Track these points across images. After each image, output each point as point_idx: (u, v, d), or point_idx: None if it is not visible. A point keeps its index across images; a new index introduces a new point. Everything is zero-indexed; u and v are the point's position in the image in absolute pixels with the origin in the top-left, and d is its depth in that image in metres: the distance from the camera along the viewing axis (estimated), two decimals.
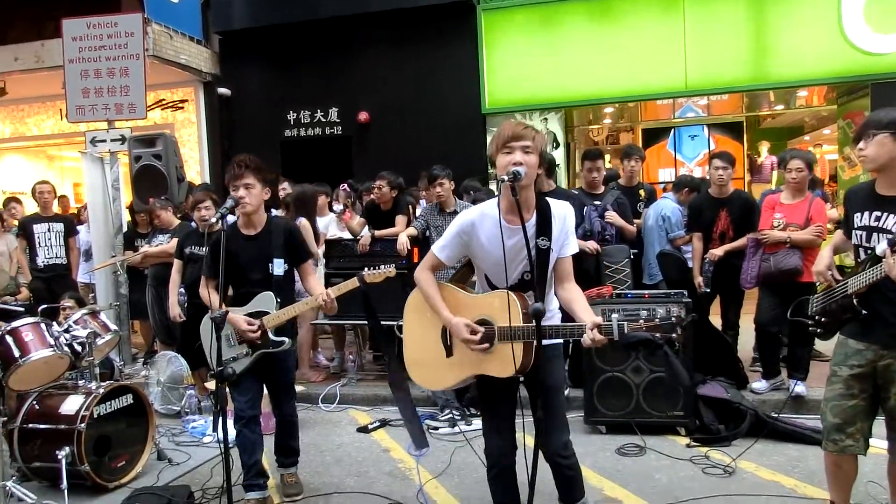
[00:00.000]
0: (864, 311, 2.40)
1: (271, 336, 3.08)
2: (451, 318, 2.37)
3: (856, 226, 2.49)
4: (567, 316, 2.41)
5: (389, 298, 4.86)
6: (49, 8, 7.91)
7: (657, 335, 2.12)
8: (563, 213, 2.39)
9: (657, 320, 2.12)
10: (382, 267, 3.14)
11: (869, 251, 2.42)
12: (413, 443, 3.24)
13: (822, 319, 2.59)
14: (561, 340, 2.45)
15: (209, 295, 3.14)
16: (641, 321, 2.14)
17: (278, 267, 3.11)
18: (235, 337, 3.14)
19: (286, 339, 3.11)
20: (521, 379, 2.42)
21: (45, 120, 9.43)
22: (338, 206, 5.76)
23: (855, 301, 2.42)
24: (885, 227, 2.38)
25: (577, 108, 8.59)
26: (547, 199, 2.40)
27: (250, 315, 3.08)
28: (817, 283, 2.70)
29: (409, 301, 2.58)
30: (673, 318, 2.10)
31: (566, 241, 2.40)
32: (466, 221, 2.38)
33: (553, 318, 2.43)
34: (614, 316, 2.17)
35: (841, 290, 2.50)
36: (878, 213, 2.41)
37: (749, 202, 4.83)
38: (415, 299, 2.55)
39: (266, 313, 3.07)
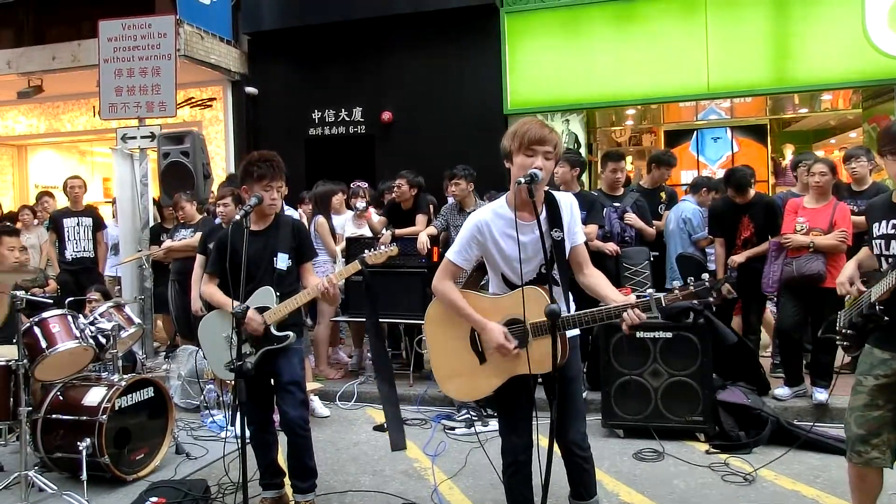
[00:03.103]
0: (886, 318, 2.36)
1: (273, 331, 2.96)
2: (485, 323, 2.34)
3: (875, 235, 2.47)
4: (589, 303, 2.38)
5: (412, 297, 4.91)
6: (86, 9, 8.13)
7: (695, 302, 2.12)
8: (568, 202, 2.41)
9: (692, 287, 2.10)
10: (383, 247, 3.07)
11: (890, 259, 2.39)
12: (390, 441, 3.19)
13: (848, 332, 2.54)
14: (578, 332, 2.43)
15: (212, 293, 3.07)
16: (677, 291, 2.13)
17: (282, 261, 3.01)
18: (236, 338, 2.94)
19: (290, 334, 2.98)
20: (539, 379, 2.41)
21: (78, 116, 9.68)
22: (360, 203, 5.78)
23: (878, 308, 2.37)
24: None
25: (599, 110, 8.55)
26: (552, 192, 2.41)
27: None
28: (846, 298, 2.64)
29: (428, 315, 2.54)
30: (707, 283, 2.10)
31: (575, 229, 2.41)
32: (481, 222, 2.38)
33: (571, 307, 2.43)
34: (650, 291, 2.17)
35: (866, 299, 2.46)
36: None
37: (772, 206, 4.75)
38: (434, 312, 2.52)
39: (266, 308, 2.96)
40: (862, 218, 4.36)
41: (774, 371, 4.84)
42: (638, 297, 2.22)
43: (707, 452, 3.78)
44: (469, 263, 2.48)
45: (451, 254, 2.46)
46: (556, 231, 2.33)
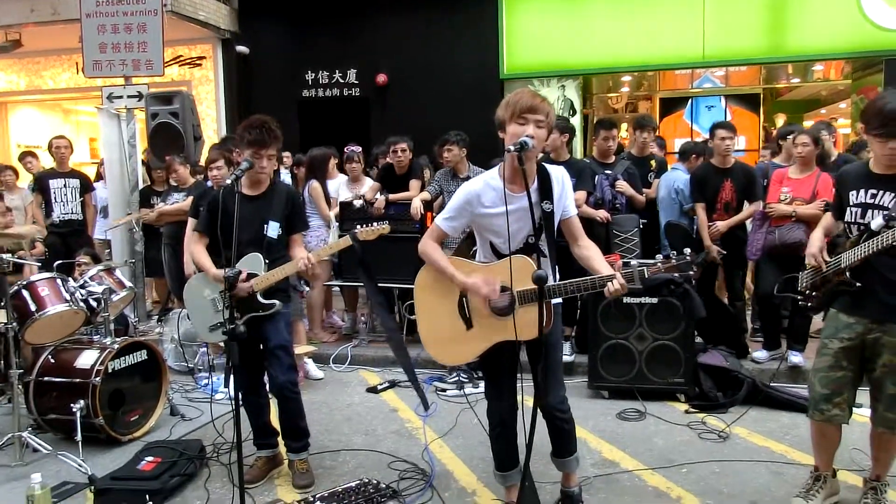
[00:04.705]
0: (857, 283, 2.46)
1: (260, 298, 2.97)
2: (465, 279, 2.40)
3: (851, 203, 2.53)
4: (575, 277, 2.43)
5: (405, 263, 4.92)
6: None
7: (676, 274, 2.21)
8: (560, 175, 2.45)
9: (674, 260, 2.20)
10: (376, 224, 3.08)
11: (862, 227, 2.46)
12: (421, 404, 3.26)
13: (813, 293, 2.65)
14: (560, 300, 2.49)
15: (198, 255, 3.07)
16: (659, 264, 2.21)
17: (273, 229, 3.00)
18: (222, 301, 2.97)
19: (276, 302, 3.00)
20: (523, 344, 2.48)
21: (60, 73, 9.43)
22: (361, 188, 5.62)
23: (848, 274, 2.48)
24: (881, 203, 2.43)
25: (595, 76, 8.48)
26: (543, 164, 2.44)
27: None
28: (807, 264, 2.73)
29: (418, 281, 2.58)
30: (688, 258, 2.19)
31: (567, 202, 2.46)
32: (472, 192, 2.42)
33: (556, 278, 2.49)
34: (633, 262, 2.24)
35: (833, 264, 2.55)
36: (874, 191, 2.46)
37: (751, 173, 4.84)
38: (424, 278, 2.56)
39: (254, 275, 2.95)
40: None
41: (754, 335, 5.00)
42: (624, 264, 2.28)
43: (686, 412, 3.92)
44: (456, 231, 2.53)
45: (439, 219, 2.52)
46: (546, 203, 2.38)
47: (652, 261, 2.23)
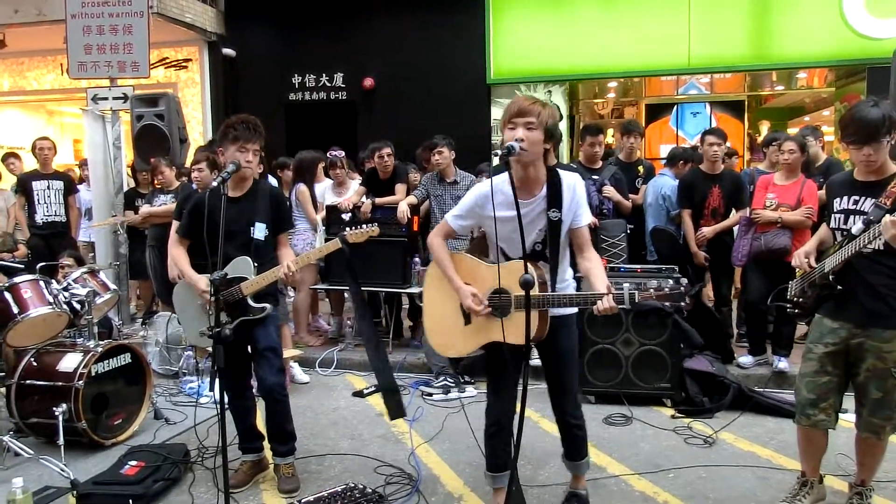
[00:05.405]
0: (839, 287, 2.50)
1: (250, 302, 2.95)
2: (459, 284, 2.46)
3: (835, 210, 2.59)
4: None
5: (391, 266, 4.95)
6: None
7: (667, 304, 2.16)
8: (573, 183, 2.43)
9: (667, 290, 2.14)
10: (365, 226, 3.06)
11: (844, 233, 2.52)
12: (388, 412, 3.18)
13: (800, 300, 2.69)
14: (576, 309, 2.50)
15: (179, 260, 3.04)
16: (651, 290, 2.17)
17: (259, 231, 2.98)
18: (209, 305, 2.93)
19: (266, 306, 2.98)
20: (533, 346, 2.49)
21: (45, 74, 9.34)
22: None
23: (831, 278, 2.52)
24: (861, 209, 2.49)
25: (582, 82, 8.56)
26: (558, 170, 2.43)
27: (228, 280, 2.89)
28: (796, 269, 2.77)
29: (428, 272, 2.68)
30: (682, 288, 2.14)
31: (578, 211, 2.43)
32: (482, 194, 2.44)
33: (568, 287, 2.51)
34: (626, 285, 2.20)
35: (818, 269, 2.60)
36: (857, 198, 2.52)
37: (739, 180, 4.90)
38: (433, 270, 2.63)
39: (243, 279, 2.93)
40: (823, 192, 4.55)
41: (739, 341, 5.03)
42: (616, 285, 2.26)
43: (672, 417, 3.94)
44: (464, 230, 2.58)
45: (449, 215, 2.57)
46: (553, 211, 2.37)
47: (644, 284, 2.18)
